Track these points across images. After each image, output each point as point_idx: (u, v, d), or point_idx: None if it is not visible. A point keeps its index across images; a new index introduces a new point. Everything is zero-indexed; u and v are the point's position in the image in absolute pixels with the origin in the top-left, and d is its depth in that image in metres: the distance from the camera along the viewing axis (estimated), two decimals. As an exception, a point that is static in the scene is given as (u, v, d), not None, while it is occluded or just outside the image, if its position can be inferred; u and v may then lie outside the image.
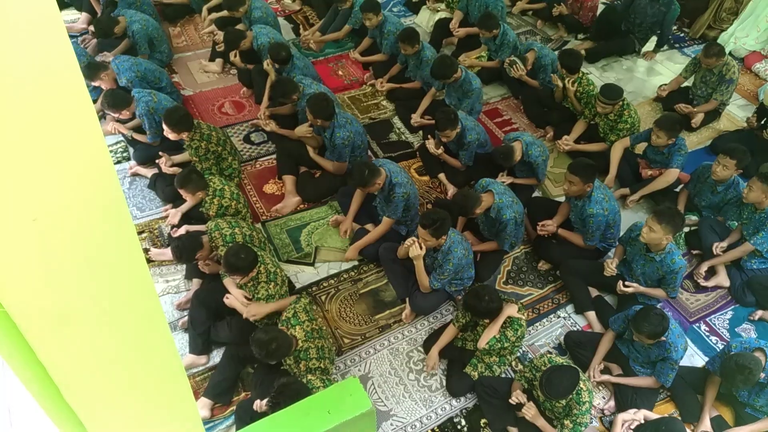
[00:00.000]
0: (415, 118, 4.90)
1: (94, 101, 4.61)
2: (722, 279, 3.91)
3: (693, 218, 4.28)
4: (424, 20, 6.23)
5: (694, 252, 4.13)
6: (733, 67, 4.90)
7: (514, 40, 5.35)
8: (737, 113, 5.37)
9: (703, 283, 3.92)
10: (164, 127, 3.85)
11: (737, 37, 5.96)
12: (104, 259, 1.06)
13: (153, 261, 3.81)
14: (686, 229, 4.24)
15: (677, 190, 4.41)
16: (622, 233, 3.83)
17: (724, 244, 3.92)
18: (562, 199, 4.10)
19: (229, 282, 3.30)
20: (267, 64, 4.67)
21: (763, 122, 4.77)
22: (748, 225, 3.88)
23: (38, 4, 0.88)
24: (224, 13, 5.50)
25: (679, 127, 4.22)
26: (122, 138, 4.58)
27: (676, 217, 3.33)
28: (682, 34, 6.40)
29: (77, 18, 5.78)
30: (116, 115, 4.24)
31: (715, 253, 3.91)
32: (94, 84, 4.38)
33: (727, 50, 5.54)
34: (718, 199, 4.13)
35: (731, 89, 4.97)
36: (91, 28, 5.42)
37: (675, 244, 3.52)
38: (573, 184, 3.64)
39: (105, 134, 4.55)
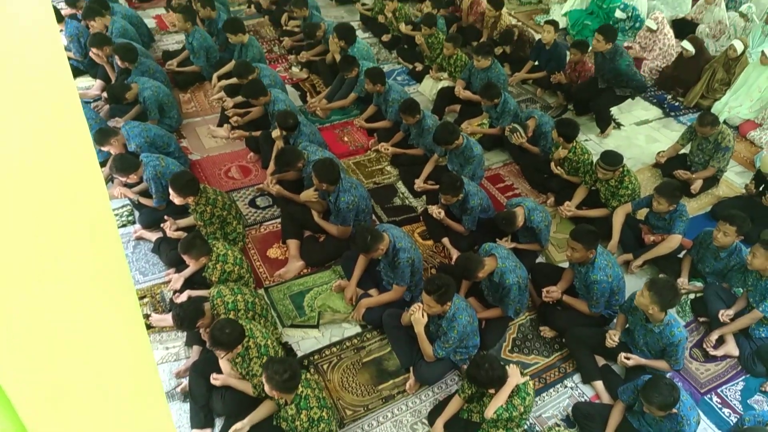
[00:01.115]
0: (419, 184, 4.97)
1: (103, 165, 4.70)
2: (731, 348, 3.85)
3: (698, 285, 4.26)
4: (428, 89, 6.42)
5: (701, 319, 4.08)
6: (729, 135, 5.02)
7: (514, 108, 5.50)
8: (735, 180, 5.45)
9: (712, 352, 3.85)
10: (170, 191, 3.90)
11: (731, 107, 6.12)
12: (104, 328, 1.05)
13: (153, 327, 3.77)
14: (692, 296, 4.23)
15: (680, 256, 4.41)
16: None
17: (731, 311, 3.88)
18: (566, 265, 4.09)
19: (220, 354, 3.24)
20: (276, 132, 4.79)
21: (761, 188, 4.84)
22: (754, 292, 3.85)
23: (54, 75, 0.92)
24: (234, 80, 5.69)
25: (679, 194, 4.27)
26: (128, 202, 4.64)
27: (666, 291, 3.26)
28: (676, 103, 6.57)
29: (92, 85, 5.97)
30: (124, 179, 4.31)
31: (722, 320, 3.86)
32: (103, 149, 4.47)
33: (721, 119, 5.70)
34: (721, 266, 4.12)
35: (727, 157, 5.06)
36: (105, 94, 5.59)
37: (675, 315, 3.48)
38: (576, 250, 3.65)
39: (111, 198, 4.60)
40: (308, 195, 4.35)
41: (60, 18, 6.01)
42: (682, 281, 4.24)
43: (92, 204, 1.01)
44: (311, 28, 6.38)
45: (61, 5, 6.74)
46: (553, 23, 6.23)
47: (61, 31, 5.85)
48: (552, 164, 5.02)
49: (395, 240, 3.75)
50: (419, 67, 6.63)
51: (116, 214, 4.59)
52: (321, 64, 6.37)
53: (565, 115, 6.10)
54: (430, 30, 6.44)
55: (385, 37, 7.17)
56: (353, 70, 5.70)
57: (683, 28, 7.53)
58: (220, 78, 5.99)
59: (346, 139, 5.71)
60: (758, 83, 5.98)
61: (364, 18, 7.60)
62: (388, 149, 5.37)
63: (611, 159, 4.45)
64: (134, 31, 6.17)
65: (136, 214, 4.57)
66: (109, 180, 4.65)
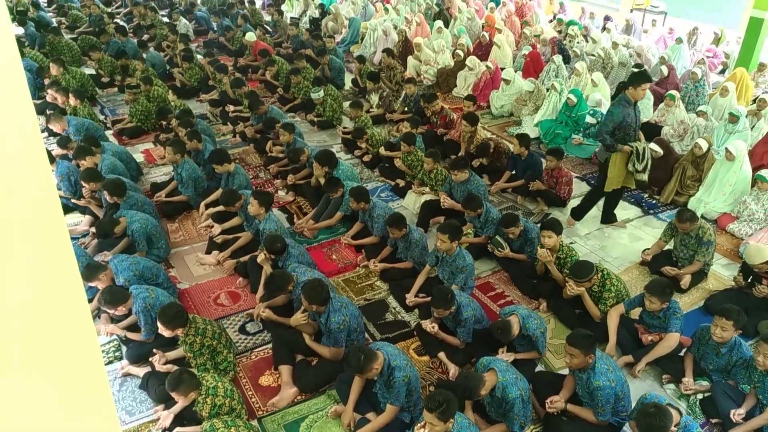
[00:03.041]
0: (410, 298, 4.94)
1: (90, 300, 4.65)
2: (750, 449, 3.68)
3: (704, 384, 4.14)
4: (411, 203, 6.58)
5: (713, 421, 3.93)
6: (709, 229, 5.14)
7: (497, 216, 5.62)
8: (723, 272, 5.50)
9: (732, 455, 3.68)
10: (159, 324, 3.83)
11: (705, 202, 6.33)
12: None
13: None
14: (700, 396, 4.10)
15: (681, 354, 4.33)
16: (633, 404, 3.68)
17: (742, 411, 3.76)
18: (566, 371, 3.99)
19: None
20: (262, 257, 4.81)
21: (750, 280, 4.87)
22: (762, 389, 3.76)
23: (44, 216, 0.93)
24: (221, 207, 5.80)
25: (670, 291, 4.28)
26: (116, 337, 4.53)
27: (657, 417, 3.16)
28: (653, 201, 6.77)
29: (80, 221, 6.04)
30: (112, 312, 4.24)
31: (734, 421, 3.72)
32: (91, 284, 4.43)
33: (699, 213, 5.87)
34: (724, 362, 4.04)
35: (711, 251, 5.15)
36: (93, 229, 5.65)
37: (690, 416, 3.36)
38: (574, 356, 3.59)
39: (98, 333, 4.50)
40: (298, 319, 4.29)
41: (51, 159, 6.22)
42: (687, 381, 4.13)
43: (80, 342, 1.00)
44: (295, 153, 6.64)
45: (53, 147, 6.99)
46: (521, 137, 6.55)
47: (52, 171, 6.03)
48: (537, 267, 5.07)
49: (390, 358, 3.66)
50: (401, 183, 6.85)
51: (103, 350, 4.46)
52: (306, 186, 6.56)
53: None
54: (409, 148, 6.73)
55: (366, 158, 7.46)
56: (338, 190, 5.87)
57: (649, 131, 7.91)
58: (207, 206, 6.11)
59: (334, 257, 5.74)
60: (728, 178, 6.23)
61: (345, 141, 7.94)
62: (376, 265, 5.40)
63: (580, 272, 4.47)
64: (123, 166, 6.38)
65: (123, 349, 4.44)
66: (95, 316, 4.57)
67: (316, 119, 8.55)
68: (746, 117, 7.45)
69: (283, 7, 14.68)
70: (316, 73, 9.53)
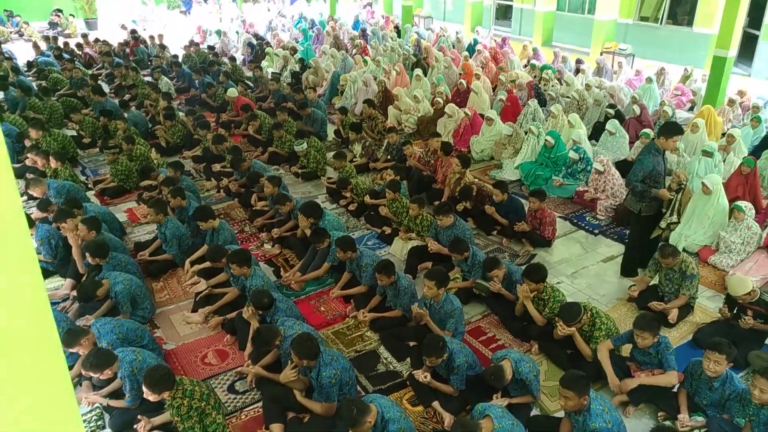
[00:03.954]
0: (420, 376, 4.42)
1: (70, 367, 4.54)
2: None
3: (700, 420, 4.11)
4: (398, 250, 6.59)
5: (712, 457, 3.89)
6: (691, 263, 5.21)
7: (484, 259, 5.65)
8: (708, 305, 5.54)
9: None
10: (144, 388, 3.74)
11: (686, 236, 6.42)
12: None
13: None
14: (697, 433, 4.07)
15: (674, 390, 4.32)
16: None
17: None
18: (562, 414, 3.95)
19: None
20: (249, 313, 4.76)
21: (735, 311, 4.91)
22: (757, 422, 3.75)
23: (23, 281, 0.93)
24: (206, 264, 5.77)
25: (658, 324, 4.30)
26: (98, 405, 4.40)
27: None
28: (636, 237, 6.85)
29: (61, 285, 5.95)
30: (97, 376, 4.13)
31: (733, 457, 3.69)
32: (72, 351, 4.34)
33: (680, 248, 5.95)
34: (717, 396, 4.05)
35: (695, 284, 5.20)
36: (74, 293, 5.56)
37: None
38: (569, 398, 3.57)
39: (79, 403, 4.37)
40: (288, 375, 4.22)
41: (31, 223, 6.15)
42: (683, 417, 4.11)
43: (60, 415, 0.98)
44: (281, 199, 6.64)
45: (32, 210, 6.95)
46: (499, 185, 6.70)
47: (31, 235, 5.97)
48: (516, 308, 5.11)
49: (383, 410, 3.60)
50: (388, 230, 6.88)
51: (84, 420, 4.32)
52: (292, 238, 6.55)
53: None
54: (394, 195, 6.79)
55: (352, 207, 7.50)
56: (324, 241, 5.88)
57: (627, 168, 8.10)
58: (192, 263, 6.07)
59: (322, 308, 5.69)
60: (705, 211, 6.36)
61: (330, 191, 8.00)
62: (366, 315, 5.36)
63: (568, 315, 4.49)
64: (106, 227, 6.33)
65: (107, 417, 4.31)
66: (76, 383, 4.45)
67: (300, 171, 8.62)
68: (718, 152, 7.67)
69: (264, 63, 14.99)
70: (298, 126, 9.66)
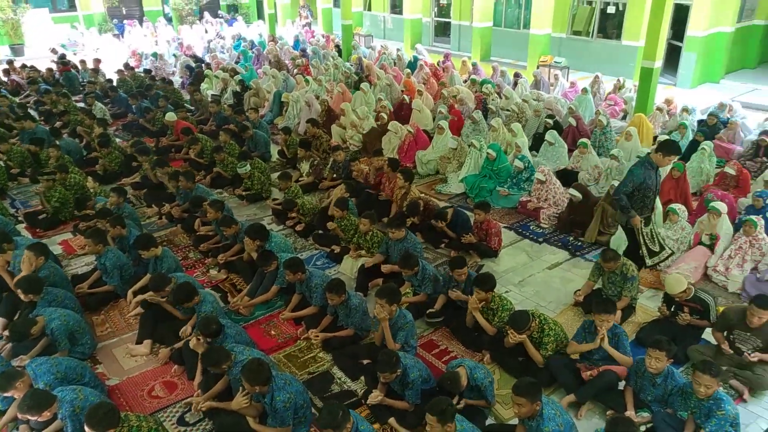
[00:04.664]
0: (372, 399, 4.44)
1: (3, 412, 4.30)
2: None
3: (645, 415, 4.29)
4: (348, 268, 6.56)
5: (659, 451, 4.04)
6: (631, 266, 5.41)
7: (433, 273, 5.72)
8: (648, 304, 5.76)
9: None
10: (86, 429, 3.55)
11: (625, 240, 6.65)
12: None
13: None
14: (643, 428, 4.19)
15: (621, 388, 4.46)
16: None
17: None
18: (516, 420, 4.01)
19: None
20: (195, 342, 4.62)
21: (672, 309, 5.12)
22: (698, 414, 3.93)
23: None
24: (150, 294, 5.58)
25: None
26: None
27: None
28: (579, 243, 7.07)
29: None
30: (35, 418, 3.90)
31: (679, 449, 3.84)
32: (6, 394, 4.09)
33: (620, 251, 6.16)
34: (660, 392, 4.23)
35: (636, 285, 5.41)
36: (6, 332, 5.24)
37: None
38: (521, 405, 3.63)
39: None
40: (240, 402, 4.11)
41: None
42: (630, 414, 4.25)
43: None
44: (226, 221, 6.51)
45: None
46: (441, 214, 6.88)
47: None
48: (467, 319, 5.17)
49: (358, 422, 3.64)
50: (337, 249, 6.84)
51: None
52: (239, 263, 6.42)
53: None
54: (342, 213, 6.77)
55: (299, 227, 7.43)
56: (272, 263, 5.79)
57: (567, 177, 8.40)
58: (135, 293, 5.85)
59: (273, 332, 5.59)
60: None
61: (276, 212, 7.90)
62: (317, 336, 5.30)
63: (518, 323, 4.59)
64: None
65: (48, 461, 4.08)
66: (12, 429, 4.19)
67: (244, 193, 8.49)
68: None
69: (203, 86, 14.77)
70: (242, 150, 9.53)
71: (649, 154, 5.61)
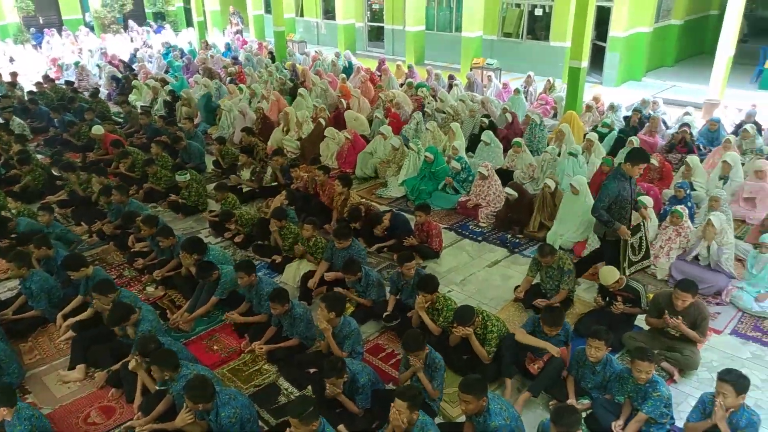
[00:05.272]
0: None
1: None
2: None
3: (585, 402, 4.46)
4: (290, 277, 6.46)
5: (599, 436, 4.21)
6: (567, 259, 5.61)
7: (377, 278, 5.74)
8: (584, 296, 5.97)
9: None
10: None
11: (560, 234, 6.91)
12: None
13: None
14: (584, 415, 4.33)
15: (563, 377, 4.61)
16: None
17: (621, 421, 4.12)
18: (463, 418, 4.06)
19: None
20: (134, 363, 4.45)
21: (607, 299, 5.33)
22: (636, 397, 4.11)
23: None
24: (82, 315, 5.33)
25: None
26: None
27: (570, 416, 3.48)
28: (517, 240, 7.25)
29: None
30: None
31: (616, 432, 4.05)
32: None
33: (556, 246, 6.37)
34: (600, 379, 4.41)
35: (572, 278, 5.59)
36: None
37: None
38: (468, 402, 3.68)
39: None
40: (184, 418, 3.99)
41: None
42: (571, 402, 4.39)
43: None
44: (163, 231, 6.32)
45: None
46: (377, 218, 6.94)
47: None
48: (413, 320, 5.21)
49: (324, 426, 3.62)
50: (278, 259, 6.73)
51: None
52: (177, 278, 6.23)
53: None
54: (280, 223, 6.66)
55: (238, 239, 7.27)
56: (213, 274, 5.66)
57: (503, 176, 8.58)
58: (65, 317, 5.56)
59: (215, 347, 5.44)
60: (575, 210, 6.88)
61: (213, 224, 7.71)
62: (261, 347, 5.20)
63: (462, 317, 4.67)
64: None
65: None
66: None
67: (180, 201, 8.20)
68: (582, 154, 8.36)
69: (132, 97, 14.26)
70: (175, 162, 9.25)
71: (620, 164, 5.63)
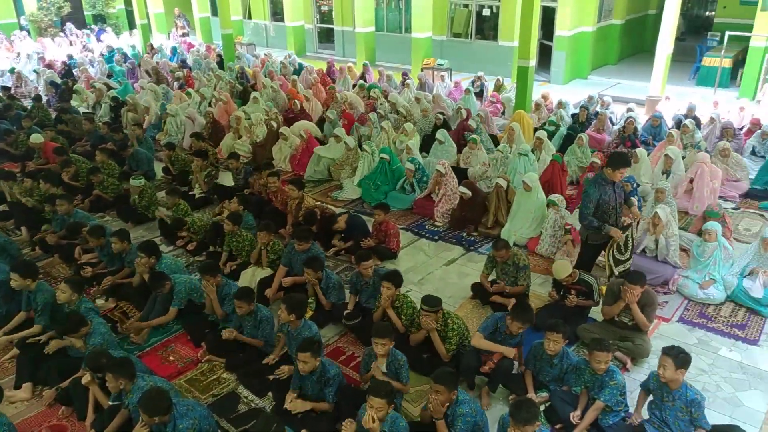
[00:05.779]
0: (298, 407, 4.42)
1: None
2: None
3: (543, 395, 4.57)
4: (247, 281, 6.34)
5: (557, 426, 4.34)
6: (522, 255, 5.71)
7: (337, 281, 5.72)
8: (539, 290, 6.10)
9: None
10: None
11: (514, 231, 7.04)
12: None
13: None
14: (542, 407, 4.44)
15: (521, 372, 4.71)
16: None
17: (578, 411, 4.24)
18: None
19: None
20: (88, 378, 4.28)
21: (561, 293, 5.46)
22: (593, 387, 4.23)
23: None
24: (28, 331, 5.10)
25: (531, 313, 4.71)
26: None
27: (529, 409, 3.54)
28: (472, 238, 7.34)
29: None
30: None
31: (574, 423, 4.19)
32: None
33: (511, 242, 6.48)
34: (557, 371, 4.51)
35: (528, 273, 5.70)
36: None
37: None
38: (440, 393, 3.76)
39: None
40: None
41: None
42: (530, 395, 4.49)
43: None
44: (120, 234, 6.15)
45: None
46: (332, 220, 6.95)
47: None
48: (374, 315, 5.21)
49: None
50: (233, 266, 6.58)
51: None
52: (128, 288, 6.03)
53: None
54: (233, 228, 6.52)
55: (191, 246, 7.10)
56: (165, 285, 5.50)
57: (457, 174, 8.67)
58: (6, 333, 5.32)
59: (171, 358, 5.30)
60: (527, 207, 7.03)
61: (164, 232, 7.50)
62: (232, 332, 5.04)
63: (431, 301, 4.69)
64: None
65: None
66: None
67: (135, 197, 7.94)
68: (532, 152, 8.54)
69: (73, 103, 13.72)
70: (122, 169, 8.94)
71: (603, 168, 5.68)
